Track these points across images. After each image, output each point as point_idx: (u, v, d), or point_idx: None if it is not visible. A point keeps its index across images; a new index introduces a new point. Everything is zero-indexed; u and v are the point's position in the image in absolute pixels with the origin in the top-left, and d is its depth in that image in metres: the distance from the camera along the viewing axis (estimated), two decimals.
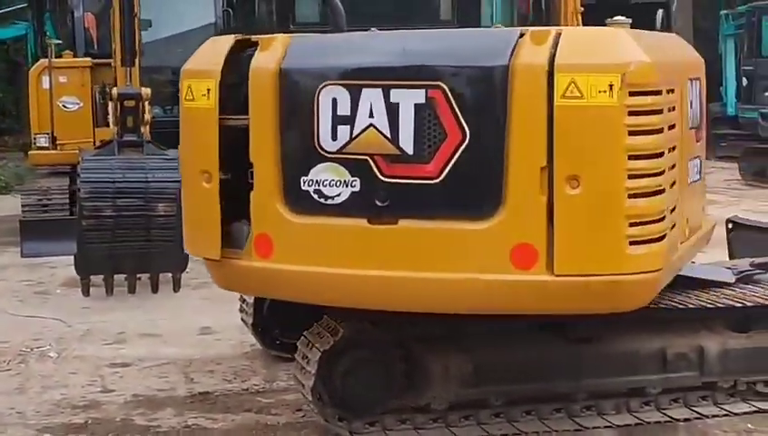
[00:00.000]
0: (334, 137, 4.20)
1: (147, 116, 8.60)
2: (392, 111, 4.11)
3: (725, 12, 23.55)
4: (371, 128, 4.14)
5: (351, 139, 4.18)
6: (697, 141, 4.96)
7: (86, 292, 7.89)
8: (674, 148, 4.35)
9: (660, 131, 4.13)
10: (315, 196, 4.26)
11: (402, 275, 4.15)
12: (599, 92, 3.93)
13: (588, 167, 3.98)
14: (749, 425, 5.03)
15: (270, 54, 4.35)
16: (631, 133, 4.00)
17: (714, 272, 5.59)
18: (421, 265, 4.12)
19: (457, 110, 4.06)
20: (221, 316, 7.18)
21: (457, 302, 4.19)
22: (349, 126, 4.17)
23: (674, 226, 4.33)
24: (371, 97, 4.13)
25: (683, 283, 5.08)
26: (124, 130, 8.46)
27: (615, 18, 5.11)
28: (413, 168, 4.12)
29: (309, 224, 4.29)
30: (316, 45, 4.48)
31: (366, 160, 4.16)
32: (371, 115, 4.13)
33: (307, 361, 4.64)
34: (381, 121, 4.12)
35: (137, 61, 8.80)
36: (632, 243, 4.03)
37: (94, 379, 6.07)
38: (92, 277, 7.88)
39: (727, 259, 6.57)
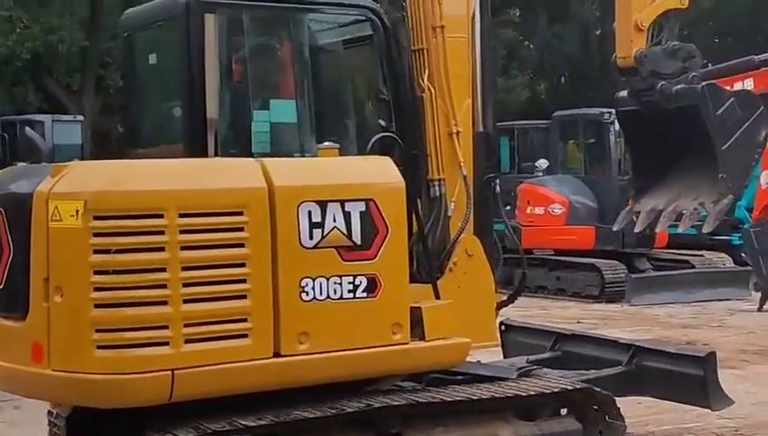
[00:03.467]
0: None
1: None
2: None
3: None
4: None
5: None
6: (348, 260, 5.15)
7: None
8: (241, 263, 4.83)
9: (135, 251, 4.66)
10: None
11: None
12: (70, 216, 4.64)
13: (67, 280, 4.67)
14: None
15: None
16: (96, 252, 4.61)
17: (498, 369, 6.34)
18: None
19: (7, 229, 4.98)
20: None
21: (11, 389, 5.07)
22: None
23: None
24: None
25: (470, 380, 5.86)
26: None
27: (325, 144, 5.57)
28: None
29: None
30: None
31: None
32: None
33: None
34: None
35: None
36: (99, 347, 4.62)
37: None
38: None
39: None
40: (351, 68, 6.56)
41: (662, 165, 7.85)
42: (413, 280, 6.02)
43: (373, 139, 5.82)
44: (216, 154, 5.60)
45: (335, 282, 5.11)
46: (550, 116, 19.92)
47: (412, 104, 6.25)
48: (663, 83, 7.48)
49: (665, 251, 17.45)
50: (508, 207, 20.42)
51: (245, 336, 4.91)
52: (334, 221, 5.11)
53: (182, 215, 4.74)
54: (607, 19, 32.19)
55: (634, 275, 16.10)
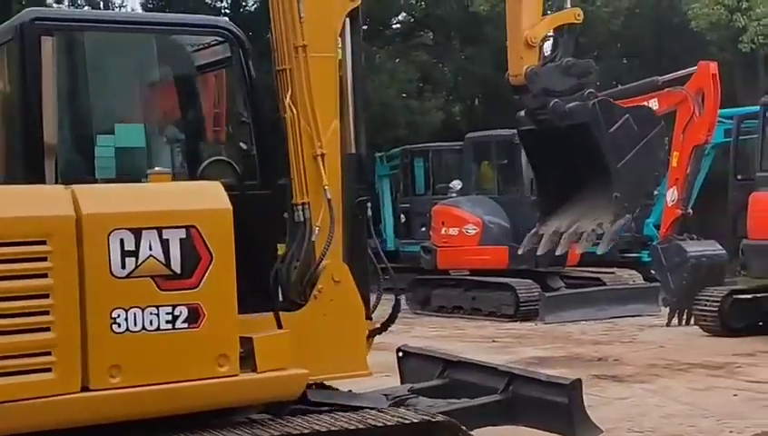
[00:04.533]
0: None
1: None
2: None
3: (380, 154, 24.46)
4: None
5: None
6: (166, 289, 4.95)
7: None
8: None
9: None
10: None
11: None
12: None
13: None
14: None
15: None
16: None
17: (372, 398, 6.27)
18: None
19: None
20: None
21: None
22: None
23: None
24: None
25: (340, 408, 5.68)
26: None
27: (156, 169, 5.38)
28: None
29: None
30: None
31: None
32: None
33: None
34: None
35: None
36: None
37: None
38: None
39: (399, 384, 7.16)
40: (209, 91, 6.36)
41: (564, 186, 7.63)
42: (274, 307, 5.85)
43: (203, 164, 5.62)
44: (56, 181, 5.42)
45: (151, 313, 4.91)
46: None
47: (276, 126, 6.07)
48: (555, 100, 7.25)
49: (578, 269, 17.89)
50: (423, 228, 20.62)
51: (48, 370, 4.70)
52: (150, 249, 4.91)
53: None
54: None
55: (547, 294, 16.43)
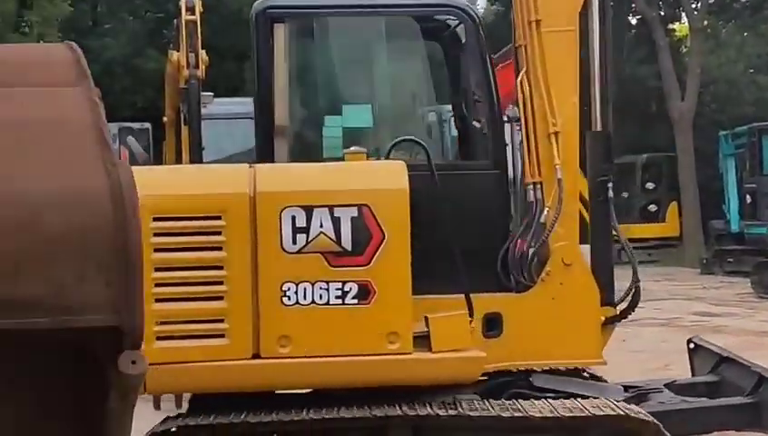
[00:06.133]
0: None
1: None
2: None
3: (724, 133, 23.85)
4: None
5: None
6: (336, 266, 5.13)
7: None
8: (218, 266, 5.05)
9: (184, 249, 5.02)
10: None
11: None
12: None
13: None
14: None
15: None
16: (156, 251, 4.98)
17: (606, 388, 5.93)
18: None
19: None
20: None
21: None
22: None
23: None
24: None
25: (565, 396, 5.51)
26: None
27: (352, 148, 5.62)
28: None
29: None
30: None
31: None
32: None
33: None
34: None
35: None
36: (159, 339, 4.99)
37: None
38: None
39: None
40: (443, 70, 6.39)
41: None
42: (499, 287, 5.82)
43: (391, 143, 5.66)
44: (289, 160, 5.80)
45: (321, 288, 5.11)
46: None
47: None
48: None
49: None
50: None
51: (222, 336, 5.07)
52: (321, 226, 5.10)
53: (156, 219, 5.01)
54: None
55: None
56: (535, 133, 5.92)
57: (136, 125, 24.33)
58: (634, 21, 34.94)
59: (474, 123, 6.02)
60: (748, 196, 22.62)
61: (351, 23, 6.13)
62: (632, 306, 6.21)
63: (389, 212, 5.17)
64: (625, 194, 30.73)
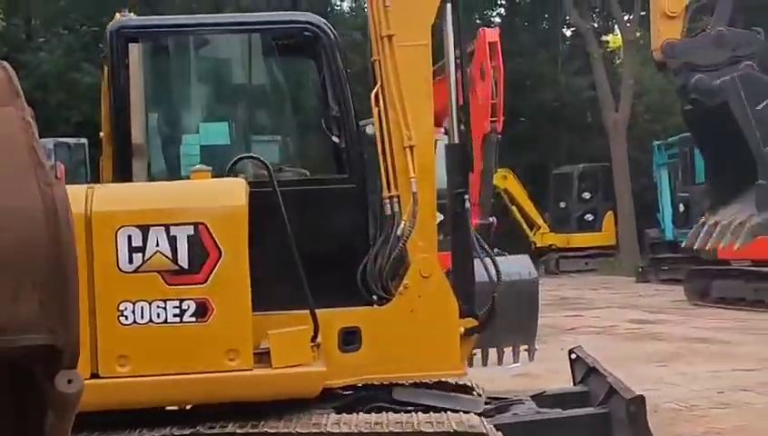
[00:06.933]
0: None
1: None
2: None
3: (658, 142, 24.58)
4: None
5: None
6: (173, 284, 5.11)
7: None
8: None
9: None
10: None
11: None
12: None
13: None
14: None
15: None
16: None
17: (467, 401, 5.94)
18: None
19: None
20: None
21: None
22: None
23: None
24: None
25: (423, 409, 5.53)
26: None
27: (197, 166, 5.61)
28: None
29: None
30: None
31: None
32: None
33: None
34: None
35: None
36: None
37: None
38: None
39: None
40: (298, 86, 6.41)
41: (736, 171, 6.74)
42: (361, 301, 5.83)
43: (231, 161, 5.66)
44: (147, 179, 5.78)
45: (158, 306, 5.09)
46: None
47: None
48: (698, 76, 6.41)
49: None
50: (703, 218, 18.99)
51: None
52: (157, 245, 5.08)
53: None
54: None
55: None
56: (390, 148, 5.95)
57: (72, 141, 24.21)
58: (568, 33, 35.29)
59: (333, 137, 6.03)
60: (681, 205, 23.03)
61: (206, 41, 6.12)
62: (489, 318, 6.23)
63: (226, 229, 5.17)
64: (563, 204, 31.06)
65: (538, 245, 30.40)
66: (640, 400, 5.63)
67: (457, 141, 6.19)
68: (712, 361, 12.22)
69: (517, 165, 29.44)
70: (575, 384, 7.10)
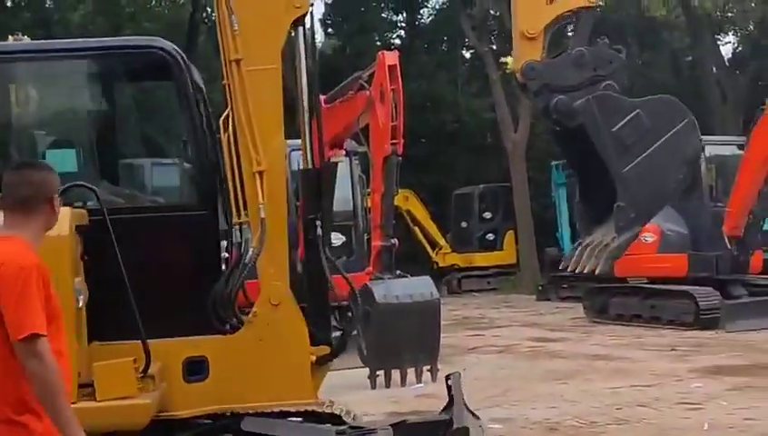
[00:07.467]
0: None
1: None
2: None
3: (556, 163, 24.74)
4: None
5: None
6: None
7: None
8: None
9: None
10: None
11: None
12: None
13: None
14: None
15: None
16: None
17: (319, 431, 5.97)
18: None
19: None
20: None
21: None
22: None
23: None
24: None
25: None
26: None
27: None
28: None
29: None
30: None
31: None
32: None
33: None
34: None
35: None
36: None
37: None
38: None
39: None
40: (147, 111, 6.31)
41: (604, 192, 6.79)
42: (207, 330, 5.72)
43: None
44: None
45: None
46: None
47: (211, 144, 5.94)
48: (559, 97, 6.47)
49: (761, 276, 17.29)
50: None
51: None
52: None
53: None
54: (698, 46, 30.22)
55: (728, 302, 16.15)
56: (239, 173, 5.86)
57: None
58: (468, 55, 35.59)
59: (184, 164, 5.94)
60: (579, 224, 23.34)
61: (53, 67, 5.97)
62: (342, 344, 6.16)
63: (49, 260, 5.01)
64: (464, 224, 31.22)
65: (441, 265, 30.48)
66: (464, 432, 5.62)
67: (310, 165, 6.13)
68: (611, 378, 12.33)
69: (419, 186, 29.52)
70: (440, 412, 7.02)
